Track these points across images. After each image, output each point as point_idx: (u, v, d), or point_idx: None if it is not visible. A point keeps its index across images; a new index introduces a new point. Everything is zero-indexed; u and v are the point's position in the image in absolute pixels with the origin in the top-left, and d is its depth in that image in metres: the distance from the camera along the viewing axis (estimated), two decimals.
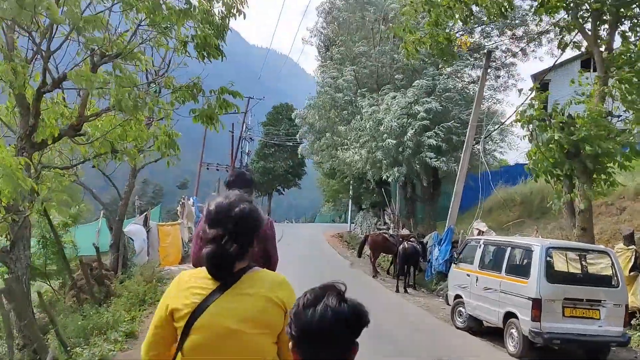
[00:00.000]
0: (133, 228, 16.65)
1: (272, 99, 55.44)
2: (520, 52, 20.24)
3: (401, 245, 15.99)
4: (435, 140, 17.84)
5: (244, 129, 40.36)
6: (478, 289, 10.56)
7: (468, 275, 11.06)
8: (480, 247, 10.98)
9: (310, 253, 23.92)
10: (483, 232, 15.89)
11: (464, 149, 17.11)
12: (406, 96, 18.47)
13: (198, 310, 2.14)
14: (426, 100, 18.12)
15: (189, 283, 2.22)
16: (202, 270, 2.24)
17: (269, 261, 4.20)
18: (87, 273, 12.44)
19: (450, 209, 17.63)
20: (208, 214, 2.26)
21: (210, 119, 8.99)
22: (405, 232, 21.14)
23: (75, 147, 9.42)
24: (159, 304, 2.29)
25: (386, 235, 18.36)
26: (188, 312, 2.14)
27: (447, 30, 14.02)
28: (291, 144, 50.36)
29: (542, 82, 30.16)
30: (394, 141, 18.32)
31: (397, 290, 15.70)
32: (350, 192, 33.85)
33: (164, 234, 20.18)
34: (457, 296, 11.51)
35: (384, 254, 19.60)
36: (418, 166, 18.37)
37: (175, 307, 2.17)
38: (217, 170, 39.92)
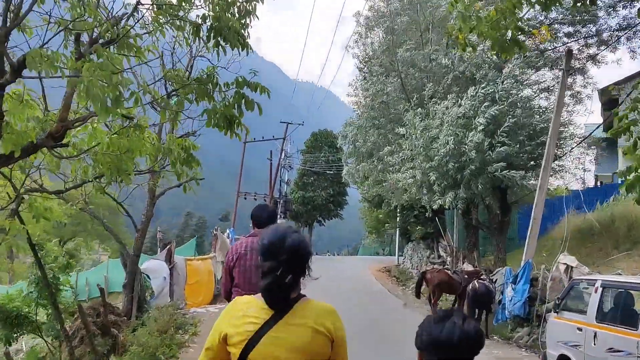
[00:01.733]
0: (152, 264, 14.38)
1: (312, 128, 53.40)
2: (598, 54, 17.24)
3: (470, 285, 13.13)
4: (507, 147, 14.97)
5: (282, 157, 38.19)
6: (598, 349, 7.64)
7: (579, 329, 8.13)
8: (597, 291, 8.06)
9: (356, 290, 21.15)
10: (572, 267, 12.90)
11: (542, 165, 14.25)
12: (462, 106, 15.75)
13: (253, 340, 2.27)
14: (486, 107, 15.33)
15: (243, 311, 2.35)
16: (254, 299, 2.39)
17: None
18: (87, 321, 10.05)
19: (527, 239, 14.69)
20: (262, 248, 2.36)
21: (229, 123, 6.61)
22: (468, 267, 18.21)
23: (67, 163, 7.22)
24: (213, 328, 2.40)
25: (448, 271, 15.48)
26: (243, 340, 2.28)
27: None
28: (332, 172, 47.98)
29: (610, 98, 27.21)
30: (451, 160, 15.59)
31: None
32: (398, 221, 30.93)
33: (192, 270, 17.82)
34: (563, 357, 8.56)
35: (446, 294, 16.64)
36: (482, 187, 15.52)
37: (229, 333, 2.31)
38: (255, 199, 37.73)
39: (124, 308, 12.77)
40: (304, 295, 2.40)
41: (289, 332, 2.27)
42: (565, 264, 13.02)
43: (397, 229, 33.17)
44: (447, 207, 16.03)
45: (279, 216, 39.41)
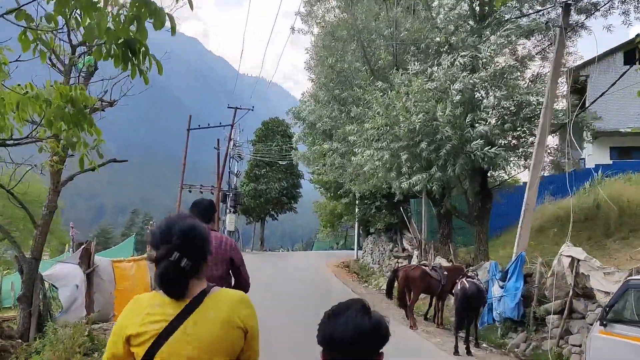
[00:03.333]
0: (59, 270, 11.42)
1: (262, 120, 50.37)
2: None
3: (459, 284, 10.75)
4: (488, 125, 12.72)
5: (230, 145, 35.10)
6: None
7: None
8: None
9: (315, 290, 18.63)
10: (579, 261, 10.72)
11: (537, 140, 12.03)
12: (434, 77, 13.39)
13: (160, 338, 2.09)
14: (465, 77, 13.01)
15: (148, 309, 2.15)
16: (159, 294, 2.19)
17: (239, 284, 4.35)
18: None
19: (519, 228, 12.46)
20: (152, 239, 2.21)
21: (129, 52, 4.10)
22: (441, 261, 15.97)
23: None
24: (113, 330, 2.22)
25: (426, 268, 13.09)
26: (149, 339, 2.09)
27: None
28: (285, 162, 45.24)
29: (577, 79, 25.61)
30: (424, 139, 13.23)
31: (456, 352, 10.43)
32: (357, 212, 28.50)
33: (121, 273, 14.79)
34: None
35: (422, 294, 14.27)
36: (459, 169, 13.23)
37: (133, 333, 2.11)
38: (201, 192, 34.55)
39: (19, 328, 9.78)
40: (214, 285, 2.26)
41: (200, 328, 2.12)
42: (570, 256, 10.83)
43: (356, 221, 30.76)
44: (419, 190, 13.63)
45: (228, 210, 36.44)
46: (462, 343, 10.70)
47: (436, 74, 13.40)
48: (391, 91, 14.08)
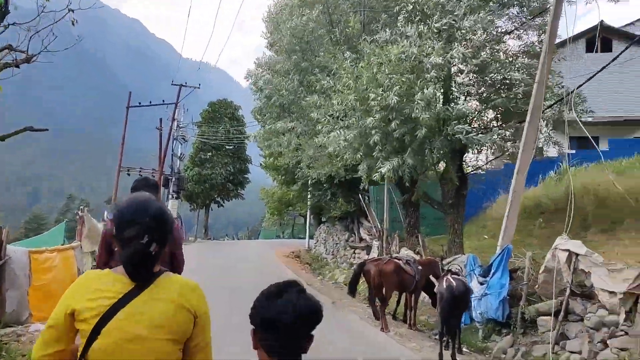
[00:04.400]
0: None
1: (206, 103, 47.74)
2: None
3: (444, 282, 9.21)
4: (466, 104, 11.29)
5: (173, 125, 32.57)
6: None
7: None
8: None
9: (268, 284, 16.86)
10: (578, 256, 9.41)
11: (527, 119, 10.66)
12: (409, 44, 11.82)
13: (108, 315, 2.04)
14: (442, 47, 11.51)
15: (97, 285, 2.11)
16: (110, 272, 2.16)
17: (175, 267, 4.26)
18: None
19: (505, 218, 11.09)
20: (120, 216, 2.13)
21: None
22: (408, 254, 14.54)
23: None
24: (59, 303, 2.14)
25: (400, 262, 11.54)
26: (96, 315, 2.04)
27: None
28: (232, 146, 43.01)
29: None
30: (397, 117, 11.68)
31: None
32: (310, 199, 26.79)
33: (40, 266, 12.52)
34: None
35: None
36: (437, 152, 11.77)
37: (79, 308, 2.06)
38: (141, 175, 31.90)
39: None
40: (167, 270, 2.23)
41: (150, 306, 2.07)
42: (567, 250, 9.50)
43: (308, 208, 29.10)
44: (391, 175, 12.06)
45: (170, 196, 34.00)
46: (446, 349, 9.24)
47: (405, 44, 11.79)
48: (361, 62, 12.39)
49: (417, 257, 13.69)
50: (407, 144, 12.18)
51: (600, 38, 24.55)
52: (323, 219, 29.66)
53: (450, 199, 13.23)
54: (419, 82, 11.72)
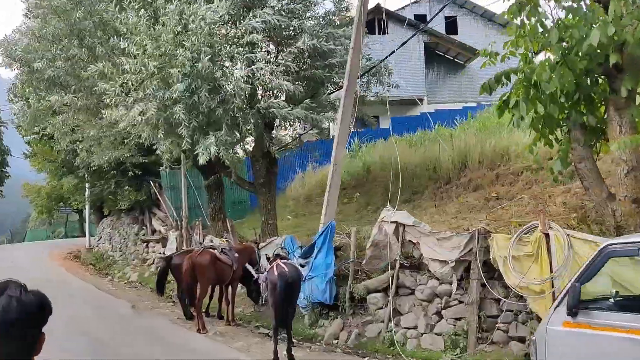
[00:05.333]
0: None
1: None
2: None
3: (275, 269, 8.07)
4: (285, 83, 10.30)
5: None
6: None
7: None
8: None
9: (51, 294, 13.96)
10: (405, 226, 9.10)
11: (345, 84, 10.05)
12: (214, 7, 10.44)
13: None
14: (256, 16, 10.42)
15: None
16: None
17: None
18: None
19: (327, 193, 10.35)
20: None
21: None
22: (215, 241, 13.17)
23: None
24: None
25: (215, 251, 10.11)
26: None
27: None
28: None
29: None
30: (204, 88, 10.24)
31: (276, 358, 7.84)
32: (91, 192, 23.47)
33: None
34: None
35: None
36: (250, 127, 10.62)
37: None
38: None
39: None
40: None
41: None
42: (395, 222, 9.13)
43: (87, 202, 25.63)
44: (204, 162, 10.48)
45: None
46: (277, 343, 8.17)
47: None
48: (159, 23, 10.51)
49: (227, 244, 12.34)
50: (219, 118, 10.73)
51: (378, 20, 25.81)
52: (105, 213, 26.49)
53: (262, 177, 12.17)
54: (229, 47, 10.39)
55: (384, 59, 12.34)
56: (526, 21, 6.81)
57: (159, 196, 19.06)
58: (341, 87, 12.56)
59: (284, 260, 8.47)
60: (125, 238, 22.16)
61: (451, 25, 30.49)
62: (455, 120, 20.49)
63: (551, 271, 7.03)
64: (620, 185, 6.90)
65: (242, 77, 10.15)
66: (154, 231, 19.91)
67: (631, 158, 6.69)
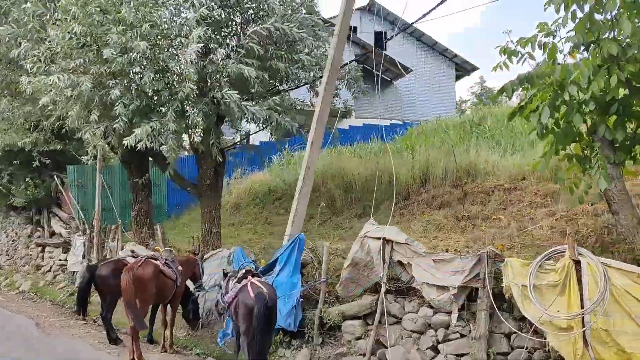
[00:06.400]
0: None
1: None
2: None
3: (250, 290, 6.46)
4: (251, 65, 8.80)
5: None
6: None
7: None
8: None
9: None
10: (394, 244, 7.84)
11: (327, 66, 8.72)
12: None
13: None
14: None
15: None
16: None
17: None
18: None
19: (295, 200, 8.87)
20: None
21: None
22: (137, 250, 11.13)
23: None
24: None
25: (157, 262, 8.25)
26: None
27: None
28: None
29: None
30: (148, 68, 8.54)
31: None
32: None
33: None
34: None
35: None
36: (201, 116, 8.94)
37: None
38: None
39: None
40: None
41: None
42: (380, 238, 7.85)
43: None
44: (139, 147, 8.61)
45: None
46: None
47: None
48: None
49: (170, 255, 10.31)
50: (159, 103, 8.97)
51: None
52: None
53: (208, 178, 10.41)
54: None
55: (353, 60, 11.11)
56: (579, 13, 5.85)
57: (63, 193, 16.46)
58: (305, 84, 11.27)
59: (257, 279, 6.88)
60: (14, 240, 19.16)
61: (380, 41, 30.11)
62: (385, 136, 19.78)
63: (582, 305, 6.10)
64: None
65: (193, 60, 8.53)
66: (52, 234, 17.18)
67: None
